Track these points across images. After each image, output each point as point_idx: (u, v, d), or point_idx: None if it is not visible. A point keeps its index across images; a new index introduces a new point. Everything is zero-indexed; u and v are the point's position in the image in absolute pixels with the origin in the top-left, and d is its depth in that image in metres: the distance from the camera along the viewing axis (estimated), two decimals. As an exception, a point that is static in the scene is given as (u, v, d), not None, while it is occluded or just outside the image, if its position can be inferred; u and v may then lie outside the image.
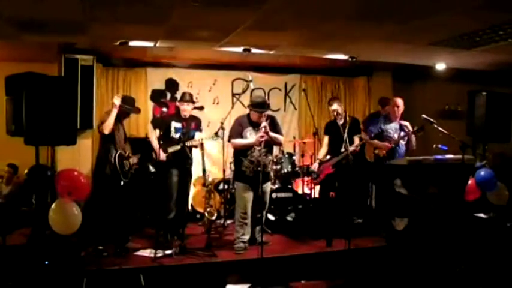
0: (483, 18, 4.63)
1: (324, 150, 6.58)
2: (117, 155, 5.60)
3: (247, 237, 5.65)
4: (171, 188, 5.89)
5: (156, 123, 6.32)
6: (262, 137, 5.36)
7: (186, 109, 6.00)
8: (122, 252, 5.33)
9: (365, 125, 6.80)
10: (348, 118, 6.22)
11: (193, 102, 6.20)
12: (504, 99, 6.23)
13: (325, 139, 6.60)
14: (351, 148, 5.93)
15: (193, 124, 6.15)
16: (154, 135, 6.05)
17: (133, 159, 5.91)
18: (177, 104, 6.23)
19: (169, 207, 5.88)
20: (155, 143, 5.93)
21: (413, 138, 6.39)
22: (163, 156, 5.79)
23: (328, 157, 6.43)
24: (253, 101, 5.72)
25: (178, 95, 7.66)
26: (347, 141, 5.75)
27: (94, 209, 5.65)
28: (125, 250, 5.40)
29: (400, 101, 6.49)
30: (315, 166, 6.55)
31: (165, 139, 5.87)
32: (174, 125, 6.02)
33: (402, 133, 6.40)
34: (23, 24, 4.89)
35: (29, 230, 5.24)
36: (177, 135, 5.95)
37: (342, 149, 6.06)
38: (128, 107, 5.76)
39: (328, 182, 6.39)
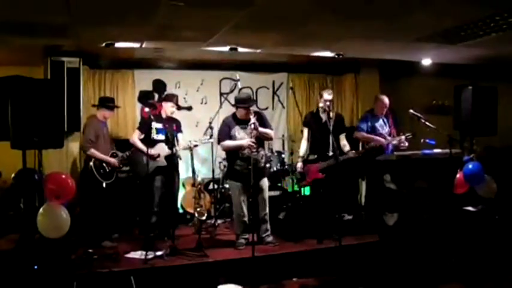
0: (467, 13, 4.66)
1: (304, 144, 6.20)
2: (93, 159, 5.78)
3: (247, 234, 5.67)
4: (154, 193, 5.92)
5: (141, 125, 6.29)
6: (254, 142, 5.39)
7: (169, 110, 6.04)
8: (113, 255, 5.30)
9: (356, 126, 6.65)
10: (331, 114, 6.03)
11: (179, 108, 6.32)
12: (490, 92, 6.28)
13: (305, 132, 6.22)
14: (351, 154, 5.91)
15: (174, 126, 6.10)
16: (136, 136, 6.06)
17: (117, 159, 6.02)
18: (163, 103, 6.20)
19: (151, 211, 5.90)
20: (139, 144, 5.95)
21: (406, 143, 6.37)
22: (154, 152, 5.84)
23: (312, 157, 6.12)
24: (238, 97, 5.71)
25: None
26: (334, 143, 5.73)
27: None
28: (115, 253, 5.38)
29: (386, 100, 6.49)
30: (299, 166, 6.20)
31: (147, 141, 5.81)
32: (155, 125, 6.04)
33: (394, 142, 6.36)
34: (7, 27, 4.84)
35: (17, 235, 5.18)
36: (159, 137, 5.97)
37: (330, 153, 5.91)
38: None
39: (318, 184, 6.15)
